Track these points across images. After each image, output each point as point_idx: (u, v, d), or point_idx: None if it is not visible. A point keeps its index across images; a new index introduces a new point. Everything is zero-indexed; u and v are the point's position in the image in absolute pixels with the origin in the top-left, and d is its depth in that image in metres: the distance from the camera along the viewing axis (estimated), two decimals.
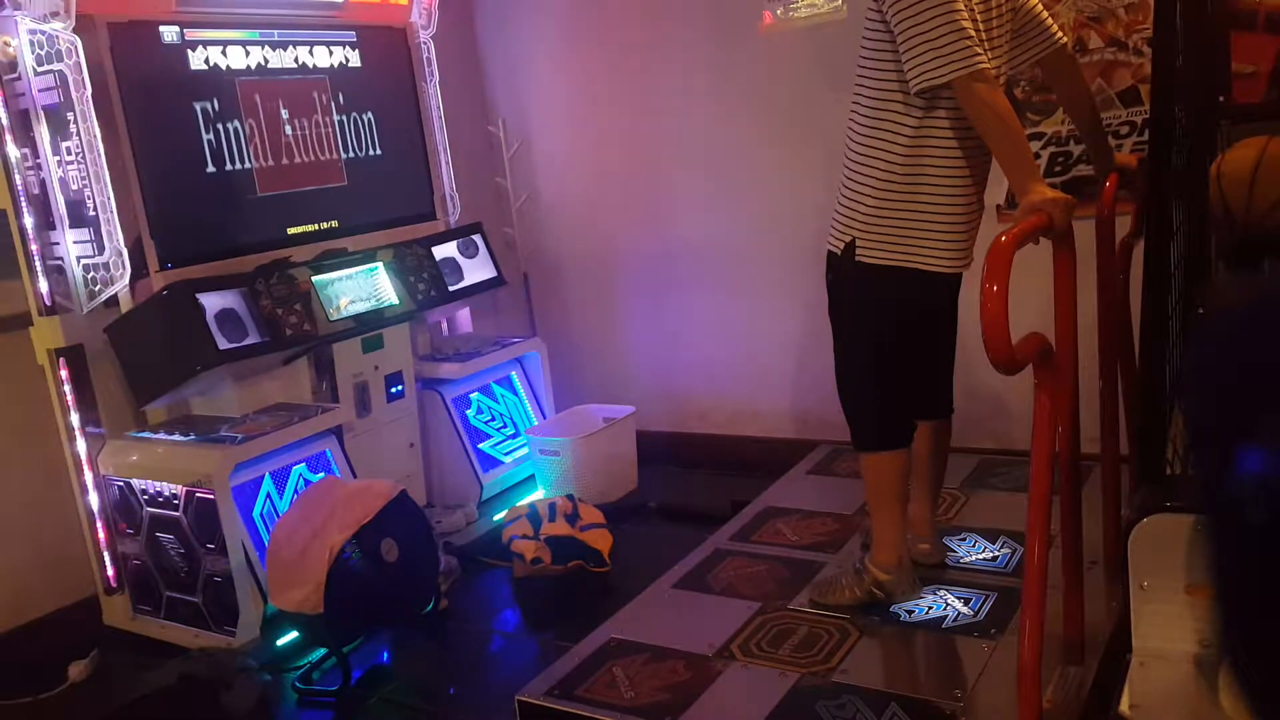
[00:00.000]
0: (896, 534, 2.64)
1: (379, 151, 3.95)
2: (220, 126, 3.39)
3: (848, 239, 2.44)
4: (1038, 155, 3.39)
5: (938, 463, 2.83)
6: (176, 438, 3.22)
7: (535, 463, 4.04)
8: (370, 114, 3.90)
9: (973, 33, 2.22)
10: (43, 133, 3.04)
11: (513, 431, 4.22)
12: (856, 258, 2.43)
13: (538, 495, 3.93)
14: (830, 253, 2.52)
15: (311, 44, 3.69)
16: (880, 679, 2.40)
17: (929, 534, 2.85)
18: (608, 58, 4.34)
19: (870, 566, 2.67)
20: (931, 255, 2.41)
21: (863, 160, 2.41)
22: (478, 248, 4.17)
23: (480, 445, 4.07)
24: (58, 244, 3.11)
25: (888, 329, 2.51)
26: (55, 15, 2.91)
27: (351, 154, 3.83)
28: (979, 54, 2.20)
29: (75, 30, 2.93)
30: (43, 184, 3.08)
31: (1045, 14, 2.50)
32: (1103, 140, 2.75)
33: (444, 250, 4.04)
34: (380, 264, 3.77)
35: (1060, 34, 2.52)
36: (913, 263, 2.41)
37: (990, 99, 2.21)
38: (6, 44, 3.00)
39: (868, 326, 2.53)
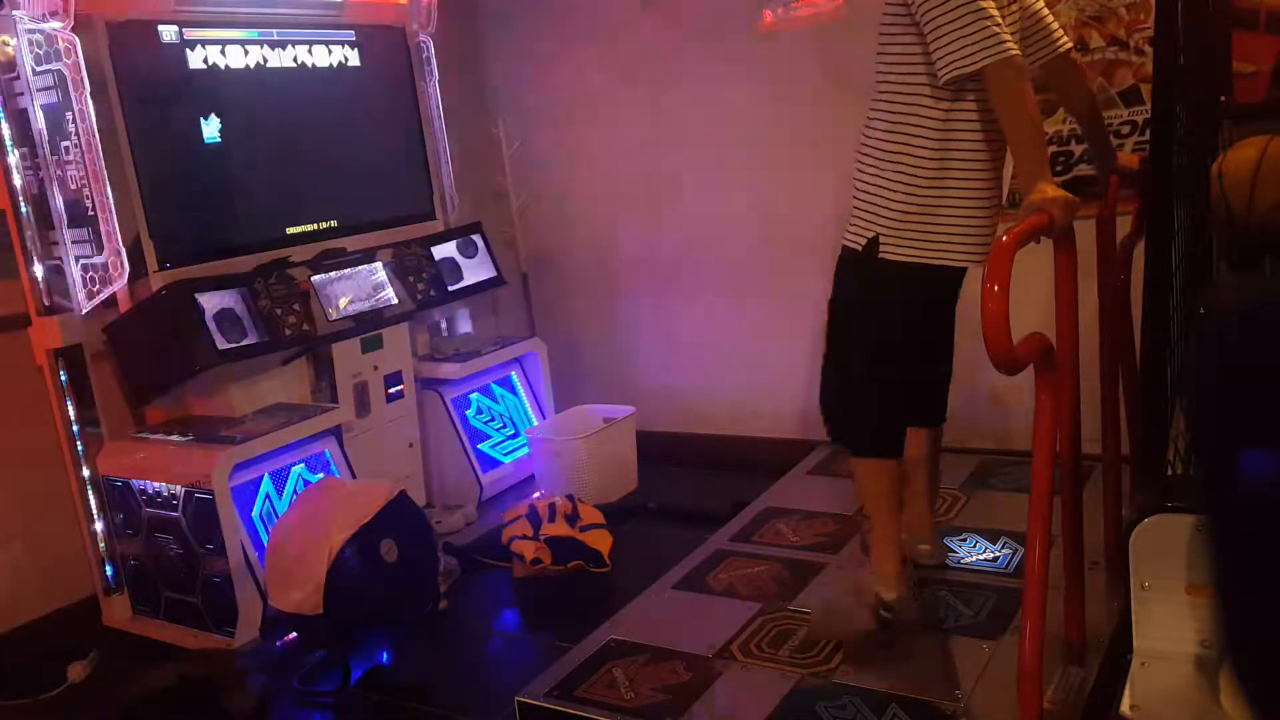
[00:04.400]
0: (895, 540, 2.60)
1: (378, 151, 3.94)
2: (219, 126, 3.39)
3: (870, 235, 2.40)
4: None
5: (933, 466, 2.82)
6: (175, 438, 3.21)
7: (535, 463, 4.04)
8: (369, 113, 3.90)
9: (1002, 21, 2.21)
10: (41, 132, 3.03)
11: (513, 431, 4.22)
12: (881, 254, 2.39)
13: (537, 495, 3.93)
14: (848, 249, 2.48)
15: (310, 43, 3.68)
16: (880, 679, 2.39)
17: (929, 535, 2.85)
18: (607, 57, 4.34)
19: (873, 582, 2.60)
20: (956, 249, 2.38)
21: (887, 156, 2.38)
22: (477, 248, 4.17)
23: (480, 445, 4.07)
24: (56, 244, 3.10)
25: (905, 328, 2.48)
26: (54, 14, 2.91)
27: (350, 153, 3.83)
28: (1009, 41, 2.19)
29: (74, 29, 2.92)
30: (41, 184, 3.07)
31: (1050, 18, 2.49)
32: (1105, 141, 2.75)
33: (444, 250, 4.04)
34: (379, 264, 3.76)
35: (1065, 39, 2.51)
36: (936, 258, 2.38)
37: (1020, 88, 2.21)
38: (5, 43, 2.99)
39: (886, 326, 2.48)
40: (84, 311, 3.12)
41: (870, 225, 2.41)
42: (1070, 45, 2.53)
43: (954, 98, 2.32)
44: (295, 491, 3.32)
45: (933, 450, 2.79)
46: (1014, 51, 2.19)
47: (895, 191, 2.37)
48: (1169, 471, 1.91)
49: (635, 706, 2.38)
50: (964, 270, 2.48)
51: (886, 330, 2.48)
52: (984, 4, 2.19)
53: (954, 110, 2.32)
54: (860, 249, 2.43)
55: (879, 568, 2.61)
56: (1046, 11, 2.49)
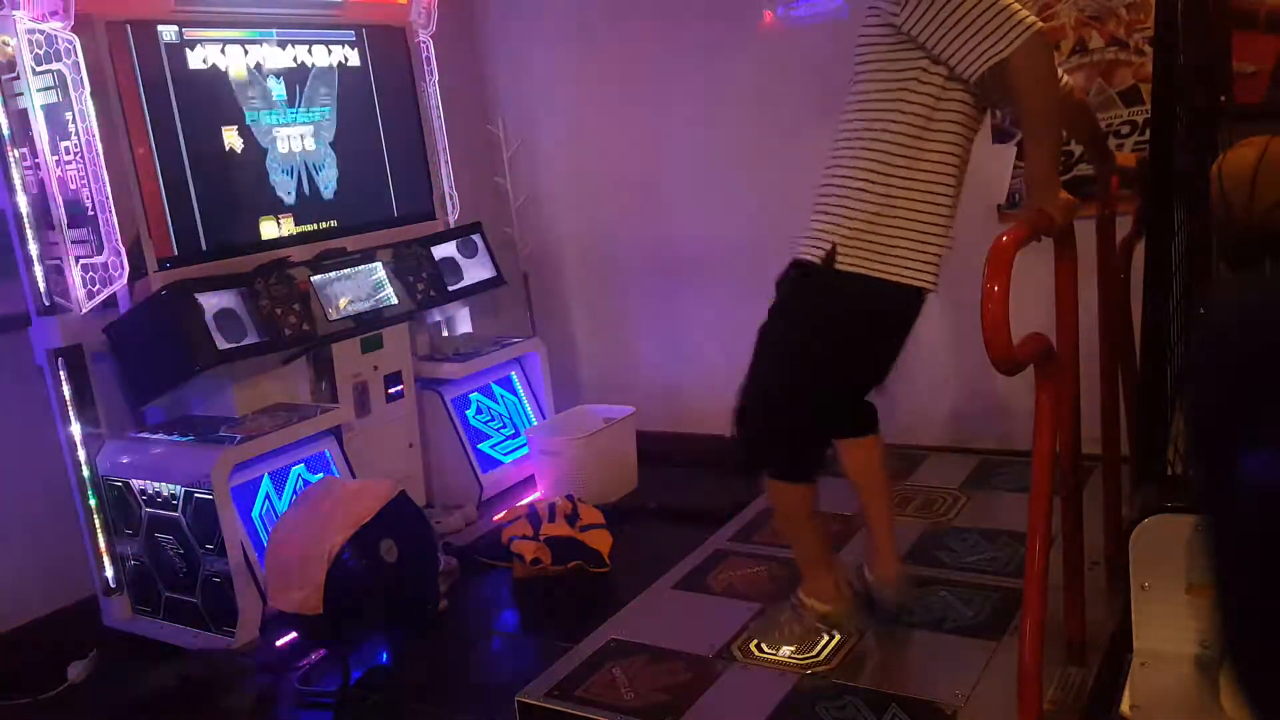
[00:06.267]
0: (822, 558, 2.53)
1: (378, 151, 3.94)
2: (218, 125, 3.39)
3: (827, 247, 2.25)
4: None
5: (887, 484, 2.58)
6: (175, 438, 3.21)
7: (535, 463, 4.04)
8: (369, 113, 3.90)
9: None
10: (41, 132, 3.03)
11: (513, 431, 4.21)
12: (836, 266, 2.23)
13: (537, 495, 3.93)
14: (799, 260, 2.32)
15: (311, 43, 3.68)
16: (880, 679, 2.39)
17: (892, 578, 2.57)
18: (608, 57, 4.34)
19: (805, 599, 2.54)
20: (911, 269, 2.23)
21: (855, 171, 2.26)
22: (477, 247, 4.16)
23: (480, 445, 4.07)
24: (56, 244, 3.10)
25: (849, 345, 2.32)
26: (54, 14, 2.91)
27: (351, 153, 3.83)
28: (1031, 15, 2.02)
29: (74, 29, 2.92)
30: (41, 184, 3.07)
31: None
32: (1103, 144, 2.73)
33: (443, 250, 4.03)
34: (379, 264, 3.76)
35: (1064, 79, 2.41)
36: (892, 275, 2.23)
37: (1052, 68, 2.09)
38: (5, 43, 2.99)
39: (830, 342, 2.32)
40: (84, 311, 3.13)
41: (828, 237, 2.26)
42: (1071, 84, 2.44)
43: (929, 116, 2.18)
44: (295, 491, 3.32)
45: (881, 462, 2.56)
46: (1040, 25, 2.01)
47: (856, 204, 2.23)
48: (1169, 471, 1.91)
49: (635, 706, 2.38)
50: (918, 293, 2.27)
51: (830, 346, 2.32)
52: None
53: (929, 129, 2.19)
54: (816, 260, 2.27)
55: (810, 586, 2.54)
56: None
